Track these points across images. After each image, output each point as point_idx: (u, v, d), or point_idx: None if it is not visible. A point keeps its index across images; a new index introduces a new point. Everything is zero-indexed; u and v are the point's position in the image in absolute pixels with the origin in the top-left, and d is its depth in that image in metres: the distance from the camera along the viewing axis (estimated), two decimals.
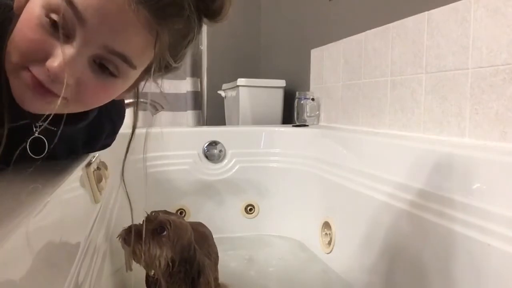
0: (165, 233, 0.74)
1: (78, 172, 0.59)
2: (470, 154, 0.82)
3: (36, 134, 0.53)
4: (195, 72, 2.36)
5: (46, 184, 0.45)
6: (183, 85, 2.34)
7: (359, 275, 1.10)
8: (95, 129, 0.64)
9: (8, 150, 0.49)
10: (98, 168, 0.72)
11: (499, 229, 0.69)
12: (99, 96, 0.48)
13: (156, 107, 1.58)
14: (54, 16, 0.41)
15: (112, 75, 0.46)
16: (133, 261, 0.74)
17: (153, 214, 0.77)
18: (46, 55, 0.43)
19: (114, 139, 0.72)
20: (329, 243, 1.27)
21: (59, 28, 0.41)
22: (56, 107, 0.44)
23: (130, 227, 0.73)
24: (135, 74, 0.49)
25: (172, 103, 2.31)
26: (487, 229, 0.71)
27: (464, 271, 0.75)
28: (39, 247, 0.37)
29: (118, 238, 0.74)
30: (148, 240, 0.72)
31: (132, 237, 0.71)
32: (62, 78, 0.42)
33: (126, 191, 0.58)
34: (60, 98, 0.43)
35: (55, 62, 0.42)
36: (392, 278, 0.96)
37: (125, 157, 0.58)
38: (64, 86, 0.42)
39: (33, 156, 0.53)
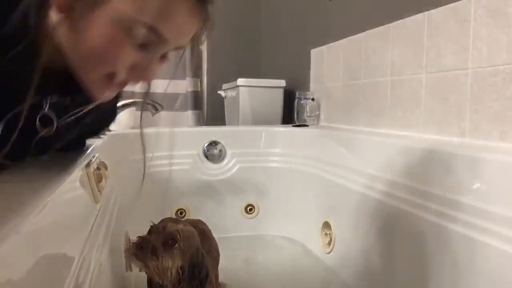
0: (176, 245, 0.75)
1: (78, 172, 0.59)
2: (470, 154, 0.82)
3: (46, 110, 0.56)
4: (195, 72, 2.36)
5: (46, 184, 0.45)
6: (183, 85, 2.34)
7: (359, 275, 1.10)
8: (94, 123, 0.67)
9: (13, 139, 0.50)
10: (98, 168, 0.72)
11: (499, 229, 0.69)
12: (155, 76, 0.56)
13: (156, 107, 1.58)
14: (138, 40, 0.48)
15: (167, 58, 0.55)
16: (145, 273, 0.75)
17: (159, 225, 0.77)
18: (127, 63, 0.50)
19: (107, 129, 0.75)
20: (329, 243, 1.27)
21: (148, 49, 0.50)
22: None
23: (140, 241, 0.73)
24: None
25: (172, 103, 2.31)
26: (487, 229, 0.71)
27: (464, 271, 0.75)
28: (39, 247, 0.37)
29: (126, 252, 0.75)
30: (160, 254, 0.73)
31: (130, 245, 0.72)
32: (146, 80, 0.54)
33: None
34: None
35: (149, 75, 0.53)
36: (392, 278, 0.96)
37: (144, 155, 0.66)
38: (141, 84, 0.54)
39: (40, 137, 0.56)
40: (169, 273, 0.74)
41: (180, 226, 0.78)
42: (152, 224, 0.78)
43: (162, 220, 0.80)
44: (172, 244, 0.75)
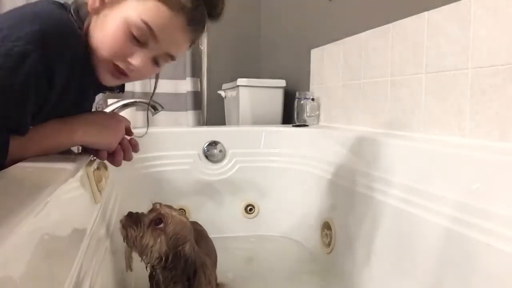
0: (161, 225, 0.74)
1: (78, 172, 0.59)
2: (470, 154, 0.82)
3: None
4: (195, 72, 2.36)
5: (46, 184, 0.45)
6: (183, 85, 2.34)
7: (359, 275, 1.10)
8: None
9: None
10: (98, 168, 0.73)
11: (499, 229, 0.69)
12: (146, 76, 0.76)
13: (156, 107, 1.58)
14: (135, 32, 0.65)
15: (159, 65, 0.72)
16: (127, 245, 0.75)
17: (157, 204, 0.78)
18: (128, 55, 0.67)
19: None
20: (329, 243, 1.27)
21: (139, 41, 0.66)
22: (123, 81, 0.75)
23: (133, 214, 0.74)
24: None
25: (172, 103, 2.31)
26: (487, 229, 0.71)
27: (464, 271, 0.75)
28: (39, 247, 0.37)
29: (120, 221, 0.74)
30: (143, 228, 0.72)
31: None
32: (138, 69, 0.69)
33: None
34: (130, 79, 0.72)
35: (135, 61, 0.68)
36: (391, 278, 0.96)
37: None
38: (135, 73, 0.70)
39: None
40: (149, 253, 0.72)
41: (174, 213, 0.77)
42: (154, 203, 0.79)
43: (165, 205, 0.80)
44: (158, 224, 0.74)
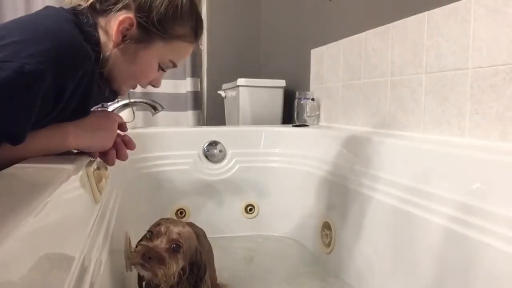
0: (180, 250, 0.75)
1: (78, 172, 0.59)
2: (470, 154, 0.82)
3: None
4: (195, 72, 2.36)
5: (46, 184, 0.45)
6: (183, 85, 2.34)
7: (358, 275, 1.10)
8: None
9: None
10: (98, 168, 0.72)
11: (499, 229, 0.69)
12: None
13: (156, 107, 1.58)
14: (163, 66, 0.79)
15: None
16: (152, 279, 0.75)
17: (158, 228, 0.77)
18: (151, 79, 0.81)
19: None
20: (329, 243, 1.27)
21: (163, 70, 0.80)
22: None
23: (145, 250, 0.73)
24: None
25: (172, 103, 2.31)
26: (487, 229, 0.71)
27: (464, 271, 0.75)
28: (39, 247, 0.37)
29: (130, 262, 0.74)
30: (167, 261, 0.73)
31: (132, 252, 0.73)
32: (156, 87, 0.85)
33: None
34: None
35: (159, 84, 0.83)
36: (392, 278, 0.96)
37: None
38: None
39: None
40: (172, 277, 0.74)
41: (180, 228, 0.77)
42: (150, 228, 0.78)
43: (160, 222, 0.80)
44: (177, 250, 0.75)
